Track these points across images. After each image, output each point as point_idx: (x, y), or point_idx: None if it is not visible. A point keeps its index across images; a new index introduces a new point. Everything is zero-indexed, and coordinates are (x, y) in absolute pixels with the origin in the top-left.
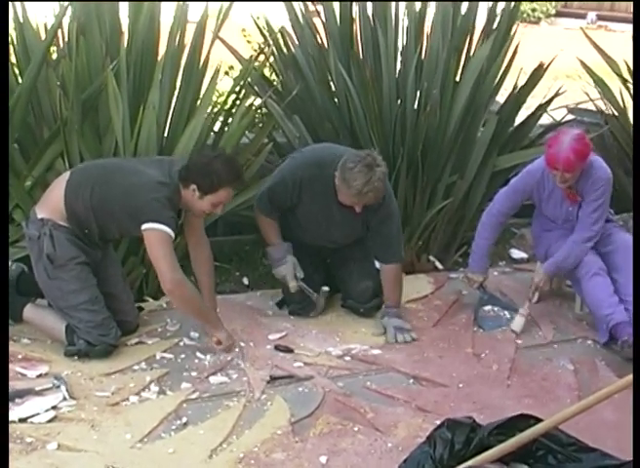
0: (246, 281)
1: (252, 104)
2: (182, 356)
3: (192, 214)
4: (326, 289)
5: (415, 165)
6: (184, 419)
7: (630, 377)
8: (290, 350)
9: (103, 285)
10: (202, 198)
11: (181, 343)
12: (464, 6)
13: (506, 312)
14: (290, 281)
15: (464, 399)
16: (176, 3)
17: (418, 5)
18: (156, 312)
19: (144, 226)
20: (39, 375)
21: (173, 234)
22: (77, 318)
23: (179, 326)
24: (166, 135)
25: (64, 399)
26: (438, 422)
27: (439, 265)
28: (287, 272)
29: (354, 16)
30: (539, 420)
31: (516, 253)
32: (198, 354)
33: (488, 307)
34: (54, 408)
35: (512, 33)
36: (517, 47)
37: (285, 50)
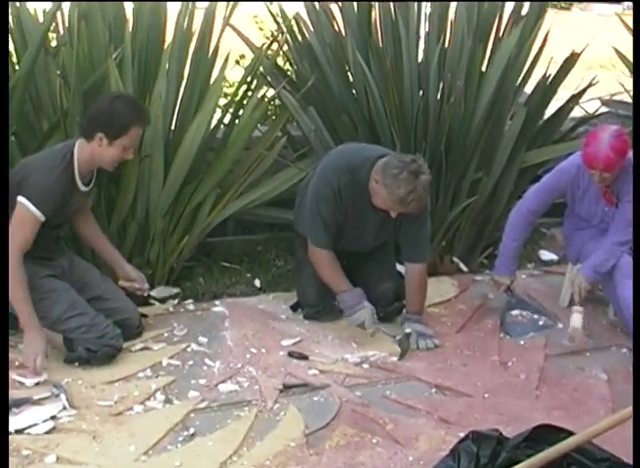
0: (258, 283)
1: (264, 95)
2: (190, 363)
3: (103, 165)
4: (408, 330)
5: (438, 160)
6: (192, 430)
7: None
8: (304, 357)
9: (86, 291)
10: (112, 144)
11: (189, 349)
12: None
13: (536, 316)
14: (369, 327)
15: (490, 410)
16: None
17: None
18: (162, 316)
19: (20, 198)
20: (37, 383)
21: (41, 219)
22: (67, 329)
23: (186, 330)
24: (173, 127)
25: (64, 408)
26: (462, 435)
27: (463, 267)
28: (367, 318)
29: (373, 2)
30: (570, 433)
31: (546, 255)
32: (207, 361)
33: (516, 312)
34: (53, 418)
35: (542, 20)
36: (547, 34)
37: (300, 37)
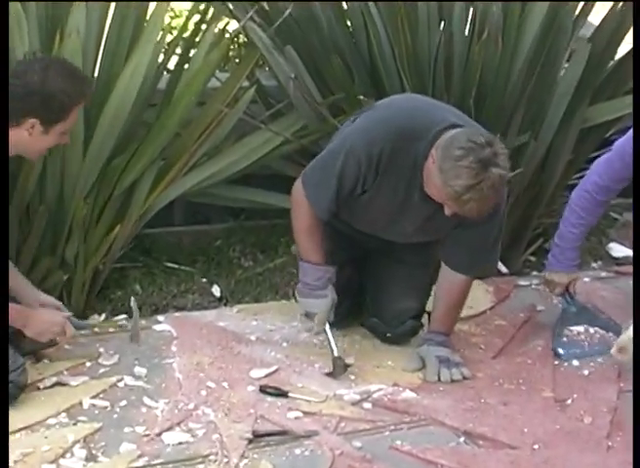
0: (217, 291)
1: (224, 30)
2: (123, 403)
3: (27, 156)
4: (350, 362)
5: None
6: None
7: None
8: (282, 393)
9: None
10: (47, 131)
11: (121, 384)
12: None
13: (603, 335)
14: (319, 323)
15: (543, 467)
16: None
17: None
18: (84, 338)
19: None
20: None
21: None
22: None
23: (116, 358)
24: (97, 74)
25: None
26: None
27: (502, 267)
28: (321, 310)
29: None
30: None
31: (618, 250)
32: (146, 400)
33: (576, 327)
34: None
35: None
36: None
37: None
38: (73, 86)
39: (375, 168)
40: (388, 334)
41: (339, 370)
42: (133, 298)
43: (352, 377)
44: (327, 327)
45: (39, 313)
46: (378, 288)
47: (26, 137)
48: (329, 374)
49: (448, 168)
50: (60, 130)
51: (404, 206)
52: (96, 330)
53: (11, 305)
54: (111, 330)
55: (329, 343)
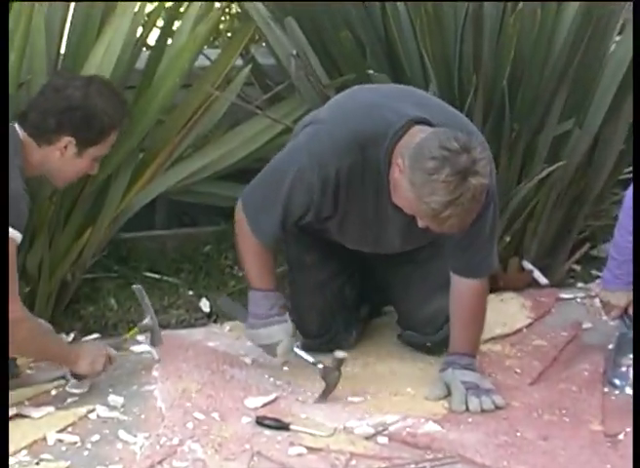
0: (206, 306)
1: None
2: (95, 438)
3: (53, 181)
4: (341, 354)
5: (497, 104)
6: None
7: None
8: (283, 426)
9: None
10: (81, 154)
11: (93, 416)
12: None
13: None
14: (284, 353)
15: None
16: None
17: None
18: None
19: None
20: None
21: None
22: None
23: (88, 385)
24: (63, 51)
25: None
26: None
27: (541, 278)
28: (284, 337)
29: None
30: None
31: None
32: (123, 434)
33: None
34: None
35: None
36: None
37: None
38: (115, 107)
39: (332, 193)
40: (428, 344)
41: (329, 384)
42: (139, 286)
43: (365, 406)
44: (295, 350)
45: (81, 346)
46: (397, 297)
47: (57, 158)
48: (323, 394)
49: (421, 183)
50: (93, 155)
51: (380, 221)
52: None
53: (58, 346)
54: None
55: (305, 360)
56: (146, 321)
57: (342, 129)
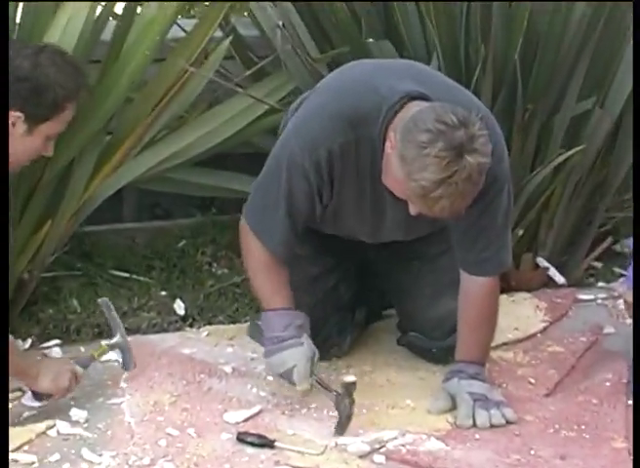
0: (180, 308)
1: None
2: (55, 458)
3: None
4: (350, 378)
5: (508, 81)
6: None
7: None
8: (267, 443)
9: None
10: (32, 132)
11: (53, 432)
12: None
13: None
14: (301, 380)
15: None
16: None
17: None
18: None
19: None
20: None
21: None
22: None
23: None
24: (18, 21)
25: None
26: None
27: (558, 276)
28: (299, 365)
29: None
30: None
31: None
32: (86, 453)
33: None
34: None
35: None
36: None
37: None
38: (70, 77)
39: (328, 175)
40: (434, 350)
41: (343, 417)
42: (105, 299)
43: (359, 421)
44: (313, 379)
45: (43, 360)
46: (401, 296)
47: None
48: (337, 425)
49: (411, 157)
50: (46, 132)
51: (378, 207)
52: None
53: (16, 360)
54: (39, 358)
55: (326, 390)
56: (116, 339)
57: (332, 107)
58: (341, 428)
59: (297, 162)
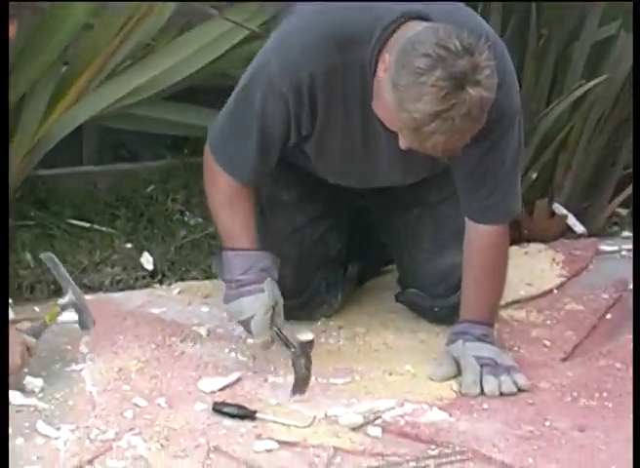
0: (148, 262)
1: None
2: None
3: None
4: (307, 336)
5: (521, 3)
6: None
7: None
8: (248, 414)
9: None
10: None
11: None
12: None
13: None
14: (258, 331)
15: None
16: None
17: None
18: None
19: None
20: None
21: None
22: None
23: None
24: None
25: None
26: None
27: (577, 225)
28: (257, 312)
29: None
30: None
31: None
32: (41, 426)
33: None
34: None
35: None
36: None
37: None
38: None
39: (308, 100)
40: (436, 309)
41: (300, 376)
42: (49, 254)
43: (352, 390)
44: (274, 330)
45: None
46: (400, 249)
47: None
48: (293, 387)
49: (405, 84)
50: None
51: (370, 143)
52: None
53: None
54: None
55: (283, 342)
56: (68, 298)
57: (317, 26)
58: (298, 390)
59: (274, 84)
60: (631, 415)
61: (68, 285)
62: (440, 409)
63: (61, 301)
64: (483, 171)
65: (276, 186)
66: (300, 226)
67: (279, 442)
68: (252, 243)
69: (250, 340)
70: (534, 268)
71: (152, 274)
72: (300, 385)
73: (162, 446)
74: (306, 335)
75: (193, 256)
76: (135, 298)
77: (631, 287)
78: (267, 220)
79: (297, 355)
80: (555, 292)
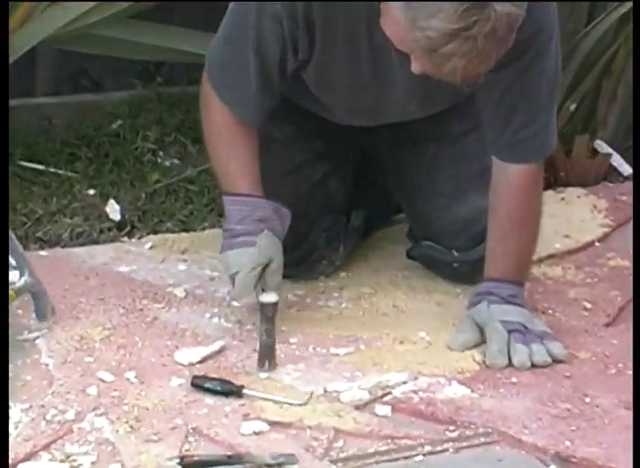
0: (115, 211)
1: None
2: None
3: None
4: (269, 297)
5: None
6: None
7: None
8: (234, 390)
9: None
10: None
11: None
12: None
13: None
14: (239, 291)
15: None
16: None
17: None
18: None
19: None
20: None
21: None
22: None
23: None
24: None
25: None
26: None
27: (623, 166)
28: (242, 268)
29: None
30: None
31: None
32: None
33: None
34: None
35: None
36: None
37: None
38: None
39: (304, 21)
40: (455, 265)
41: (264, 348)
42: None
43: (356, 361)
44: (258, 291)
45: None
46: (413, 193)
47: None
48: (261, 364)
49: None
50: None
51: (380, 66)
52: None
53: None
54: None
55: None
56: (24, 279)
57: None
58: (261, 363)
59: (267, 4)
60: None
61: (24, 264)
62: (460, 383)
63: (16, 285)
64: (513, 99)
65: (270, 122)
66: (297, 167)
67: (270, 422)
68: (251, 187)
69: (235, 303)
70: (572, 217)
71: (119, 225)
72: (264, 357)
73: (132, 428)
74: (269, 296)
75: (168, 205)
76: (99, 254)
77: None
78: (261, 163)
79: (260, 320)
80: (597, 244)
